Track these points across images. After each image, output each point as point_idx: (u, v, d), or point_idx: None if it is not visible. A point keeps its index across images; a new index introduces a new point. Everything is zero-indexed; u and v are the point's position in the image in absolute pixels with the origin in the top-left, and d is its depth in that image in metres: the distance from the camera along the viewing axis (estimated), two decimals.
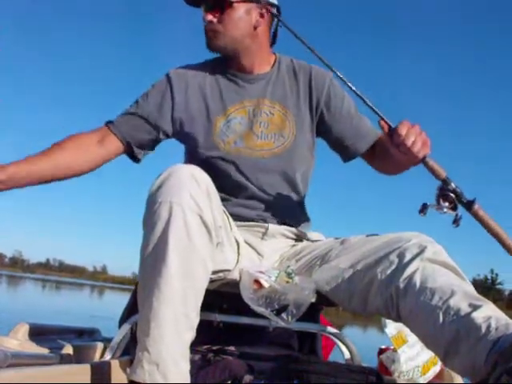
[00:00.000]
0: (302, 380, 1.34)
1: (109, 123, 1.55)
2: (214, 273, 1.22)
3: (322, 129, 1.62)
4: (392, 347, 1.68)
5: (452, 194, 1.25)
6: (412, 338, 1.64)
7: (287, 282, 1.31)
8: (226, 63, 1.61)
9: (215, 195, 1.23)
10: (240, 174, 1.53)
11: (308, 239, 1.62)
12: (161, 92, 1.57)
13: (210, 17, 1.50)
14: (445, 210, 1.26)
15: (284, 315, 1.26)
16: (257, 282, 1.28)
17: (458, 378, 1.57)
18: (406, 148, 1.26)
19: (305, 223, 1.65)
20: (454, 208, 1.26)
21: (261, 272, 1.31)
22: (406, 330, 1.64)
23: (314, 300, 1.33)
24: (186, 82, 1.58)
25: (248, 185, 1.53)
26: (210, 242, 1.16)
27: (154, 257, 1.11)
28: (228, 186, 1.52)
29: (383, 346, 1.77)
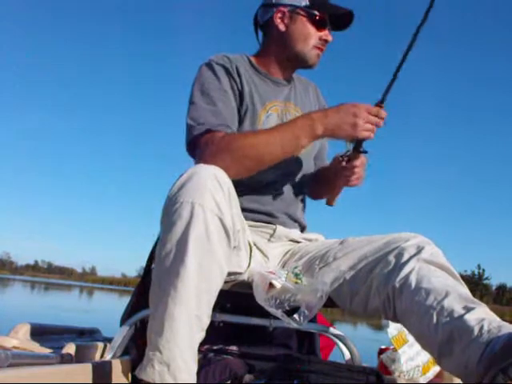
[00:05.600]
0: (302, 380, 1.33)
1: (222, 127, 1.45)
2: (228, 275, 1.22)
3: None
4: (392, 347, 1.69)
5: None
6: (412, 337, 1.65)
7: (296, 282, 1.31)
8: (260, 62, 1.64)
9: (235, 198, 1.23)
10: (267, 168, 1.51)
11: (308, 240, 1.63)
12: (229, 81, 1.54)
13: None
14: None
15: (296, 316, 1.26)
16: (270, 283, 1.28)
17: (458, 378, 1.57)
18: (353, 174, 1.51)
19: (305, 225, 1.67)
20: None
21: (271, 273, 1.31)
22: (406, 331, 1.65)
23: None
24: (237, 69, 1.57)
25: (270, 181, 1.55)
26: (227, 246, 1.16)
27: (172, 256, 1.10)
28: (251, 180, 1.49)
29: (383, 346, 1.78)
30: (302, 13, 1.57)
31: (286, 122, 1.48)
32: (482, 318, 1.07)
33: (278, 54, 1.63)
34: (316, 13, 1.57)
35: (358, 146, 1.44)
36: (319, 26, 1.57)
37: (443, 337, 1.10)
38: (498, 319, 1.09)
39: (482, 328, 1.05)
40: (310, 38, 1.57)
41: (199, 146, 1.43)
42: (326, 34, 1.58)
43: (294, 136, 1.38)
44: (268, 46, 1.65)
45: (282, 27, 1.60)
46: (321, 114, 1.39)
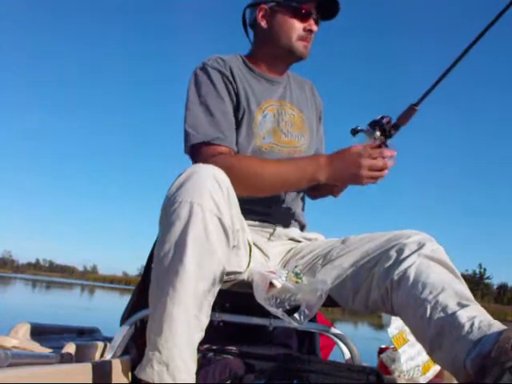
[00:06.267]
0: (301, 380, 1.33)
1: (223, 142, 1.45)
2: (227, 275, 1.22)
3: None
4: (392, 346, 1.69)
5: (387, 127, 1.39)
6: (412, 337, 1.64)
7: (296, 282, 1.31)
8: (253, 62, 1.63)
9: (234, 197, 1.23)
10: None
11: (308, 239, 1.63)
12: (225, 86, 1.53)
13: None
14: (376, 136, 1.39)
15: (297, 316, 1.26)
16: (270, 282, 1.28)
17: None
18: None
19: (305, 223, 1.67)
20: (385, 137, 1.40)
21: (271, 272, 1.31)
22: (407, 330, 1.65)
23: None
24: (231, 72, 1.55)
25: None
26: (226, 245, 1.16)
27: (170, 256, 1.10)
28: None
29: (383, 346, 1.78)
30: (281, 7, 1.57)
31: (293, 159, 1.49)
32: (474, 315, 1.09)
33: (267, 51, 1.62)
34: (295, 5, 1.55)
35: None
36: (302, 17, 1.56)
37: (435, 331, 1.12)
38: (490, 317, 1.10)
39: (472, 325, 1.06)
40: (292, 30, 1.56)
41: (199, 157, 1.44)
42: (309, 24, 1.56)
43: (297, 177, 1.41)
44: (257, 44, 1.65)
45: (264, 24, 1.60)
46: (327, 161, 1.41)
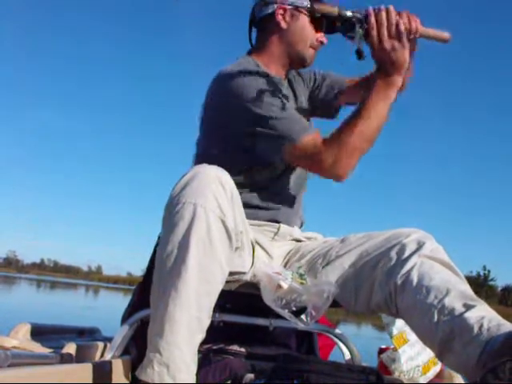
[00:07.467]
0: (302, 380, 1.34)
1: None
2: (230, 275, 1.22)
3: (314, 108, 1.77)
4: (392, 347, 1.69)
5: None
6: (412, 337, 1.65)
7: (301, 283, 1.31)
8: (263, 62, 1.61)
9: (238, 199, 1.23)
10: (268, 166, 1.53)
11: (308, 239, 1.63)
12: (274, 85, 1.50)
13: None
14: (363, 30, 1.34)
15: (303, 317, 1.26)
16: (278, 284, 1.28)
17: (458, 378, 1.57)
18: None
19: (304, 221, 1.67)
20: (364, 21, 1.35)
21: (277, 273, 1.31)
22: (407, 330, 1.65)
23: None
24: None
25: (273, 178, 1.54)
26: (229, 247, 1.16)
27: (173, 257, 1.11)
28: (253, 178, 1.51)
29: (383, 346, 1.78)
30: (304, 12, 1.57)
31: (366, 95, 1.41)
32: (482, 316, 1.08)
33: (278, 51, 1.61)
34: (318, 15, 1.55)
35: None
36: (317, 27, 1.57)
37: (444, 334, 1.12)
38: (499, 317, 1.09)
39: (481, 326, 1.06)
40: (308, 38, 1.58)
41: (306, 147, 1.40)
42: (321, 35, 1.59)
43: (384, 101, 1.37)
44: (268, 43, 1.62)
45: (283, 24, 1.58)
46: (384, 71, 1.37)
